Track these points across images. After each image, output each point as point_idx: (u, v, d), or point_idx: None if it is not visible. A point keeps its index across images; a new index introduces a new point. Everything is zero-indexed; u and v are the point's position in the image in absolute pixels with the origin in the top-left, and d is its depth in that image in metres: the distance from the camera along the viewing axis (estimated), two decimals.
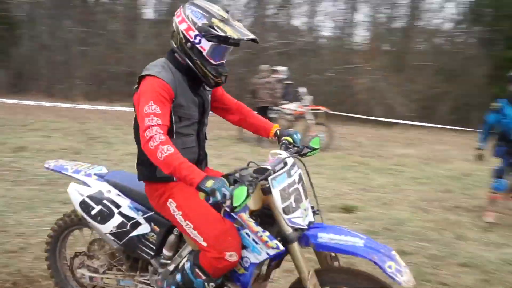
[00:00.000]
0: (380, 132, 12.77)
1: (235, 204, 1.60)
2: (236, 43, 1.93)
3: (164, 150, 1.70)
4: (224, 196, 1.62)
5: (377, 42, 17.39)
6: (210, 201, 1.63)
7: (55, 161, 2.56)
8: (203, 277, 1.91)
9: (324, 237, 1.84)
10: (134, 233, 2.15)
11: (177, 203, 1.98)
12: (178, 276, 2.01)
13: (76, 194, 2.27)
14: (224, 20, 1.90)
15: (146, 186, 2.10)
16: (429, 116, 14.14)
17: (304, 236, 1.89)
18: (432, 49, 17.00)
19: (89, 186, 2.29)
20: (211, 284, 1.93)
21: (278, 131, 2.27)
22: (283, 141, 2.20)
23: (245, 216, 1.90)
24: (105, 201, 2.20)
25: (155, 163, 1.76)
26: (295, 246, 1.86)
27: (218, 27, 1.87)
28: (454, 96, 15.15)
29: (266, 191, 1.86)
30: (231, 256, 1.85)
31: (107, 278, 2.38)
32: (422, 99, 15.32)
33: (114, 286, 2.36)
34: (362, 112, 13.79)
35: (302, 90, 9.38)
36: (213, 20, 1.88)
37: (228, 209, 1.68)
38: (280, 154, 2.02)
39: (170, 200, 1.99)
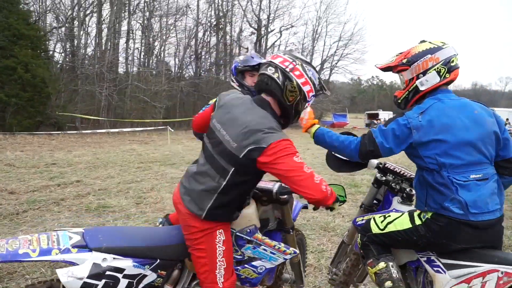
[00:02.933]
0: None
1: (342, 199, 2.14)
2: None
3: (324, 183, 1.93)
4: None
5: None
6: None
7: None
8: None
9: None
10: (140, 287, 2.09)
11: (226, 238, 2.10)
12: None
13: (73, 280, 1.89)
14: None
15: (202, 221, 2.08)
16: None
17: None
18: None
19: (76, 264, 1.93)
20: None
21: None
22: None
23: (259, 236, 2.25)
24: (107, 272, 1.96)
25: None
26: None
27: (323, 86, 2.08)
28: None
29: (285, 202, 2.42)
30: None
31: None
32: None
33: None
34: None
35: None
36: (319, 79, 2.06)
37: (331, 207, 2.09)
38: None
39: (221, 230, 2.09)
